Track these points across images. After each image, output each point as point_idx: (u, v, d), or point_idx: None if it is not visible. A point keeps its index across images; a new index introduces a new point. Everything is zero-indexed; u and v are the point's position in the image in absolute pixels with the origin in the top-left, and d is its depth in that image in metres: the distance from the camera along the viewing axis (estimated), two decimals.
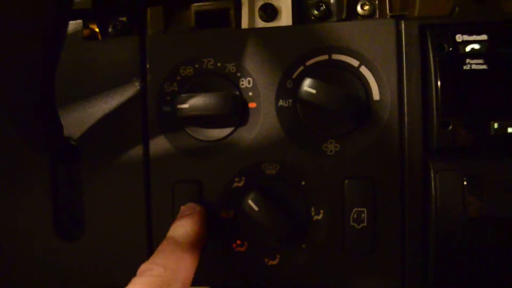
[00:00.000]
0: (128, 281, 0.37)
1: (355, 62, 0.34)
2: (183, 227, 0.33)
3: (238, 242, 0.35)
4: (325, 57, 0.34)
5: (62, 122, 0.34)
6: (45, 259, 0.37)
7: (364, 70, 0.34)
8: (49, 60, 0.28)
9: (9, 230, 0.37)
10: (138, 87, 0.36)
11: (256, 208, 0.33)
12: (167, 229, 0.36)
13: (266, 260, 0.35)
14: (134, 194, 0.36)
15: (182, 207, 0.35)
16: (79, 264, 0.37)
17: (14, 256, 0.37)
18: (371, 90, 0.34)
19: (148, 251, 0.36)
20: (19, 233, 0.37)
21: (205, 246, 0.35)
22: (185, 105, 0.34)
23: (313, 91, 0.32)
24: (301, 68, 0.35)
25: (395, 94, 0.33)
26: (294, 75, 0.35)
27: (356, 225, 0.33)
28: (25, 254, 0.37)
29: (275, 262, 0.35)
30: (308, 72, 0.34)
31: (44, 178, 0.37)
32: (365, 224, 0.33)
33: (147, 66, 0.36)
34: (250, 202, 0.34)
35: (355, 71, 0.34)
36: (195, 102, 0.34)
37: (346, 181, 0.34)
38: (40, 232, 0.37)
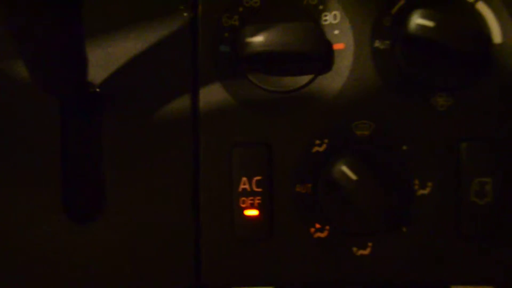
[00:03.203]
0: (165, 277, 0.27)
1: None
2: None
3: (317, 226, 0.27)
4: None
5: None
6: (51, 246, 0.27)
7: (481, 6, 0.27)
8: None
9: (5, 207, 0.26)
10: (187, 19, 0.27)
11: (354, 177, 0.25)
12: (221, 209, 0.27)
13: (354, 249, 0.27)
14: (177, 161, 0.27)
15: None
16: (95, 255, 0.27)
17: (14, 241, 0.27)
18: (490, 31, 0.27)
19: (194, 237, 0.27)
20: (18, 211, 0.26)
21: (272, 232, 0.26)
22: (258, 38, 0.25)
23: (431, 23, 0.25)
24: (402, 1, 0.27)
25: None
26: (393, 10, 0.27)
27: (478, 201, 0.26)
28: (26, 238, 0.26)
29: (366, 252, 0.27)
30: (411, 7, 0.27)
31: (52, 136, 0.26)
32: (489, 199, 0.26)
33: None
34: (344, 168, 0.25)
35: (470, 8, 0.27)
36: (271, 34, 0.26)
37: (463, 144, 0.26)
38: (45, 212, 0.26)
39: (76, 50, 0.23)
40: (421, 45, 0.26)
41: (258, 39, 0.25)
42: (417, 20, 0.25)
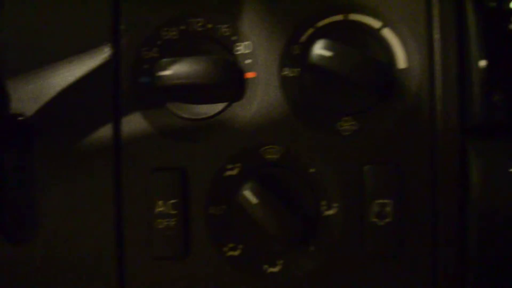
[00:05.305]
0: None
1: (376, 23, 0.28)
2: None
3: (231, 245, 0.29)
4: (340, 17, 0.28)
5: (11, 95, 0.28)
6: None
7: (387, 32, 0.28)
8: None
9: None
10: (109, 53, 0.29)
11: (254, 201, 0.27)
12: (140, 228, 0.29)
13: (265, 267, 0.28)
14: (101, 184, 0.29)
15: None
16: (29, 273, 0.29)
17: None
18: (395, 56, 0.28)
19: (117, 254, 0.29)
20: None
21: (187, 251, 0.28)
22: (168, 72, 0.27)
23: (329, 54, 0.26)
24: (311, 30, 0.28)
25: (425, 61, 0.27)
26: (302, 39, 0.28)
27: (378, 221, 0.27)
28: None
29: (276, 269, 0.28)
30: (319, 35, 0.28)
31: None
32: (390, 219, 0.27)
33: (121, 27, 0.29)
34: (246, 193, 0.27)
35: (376, 34, 0.28)
36: (180, 68, 0.27)
37: (365, 167, 0.27)
38: None
39: None
40: (323, 73, 0.27)
41: (168, 72, 0.27)
42: (317, 50, 0.27)
